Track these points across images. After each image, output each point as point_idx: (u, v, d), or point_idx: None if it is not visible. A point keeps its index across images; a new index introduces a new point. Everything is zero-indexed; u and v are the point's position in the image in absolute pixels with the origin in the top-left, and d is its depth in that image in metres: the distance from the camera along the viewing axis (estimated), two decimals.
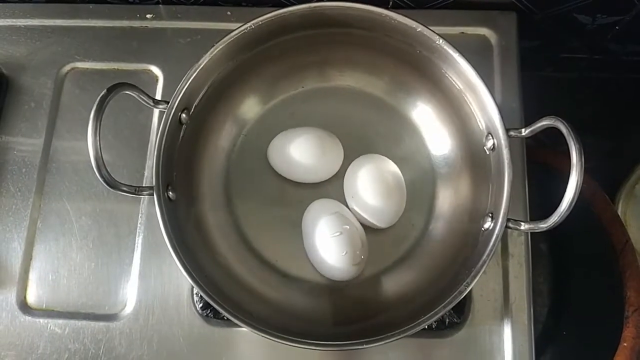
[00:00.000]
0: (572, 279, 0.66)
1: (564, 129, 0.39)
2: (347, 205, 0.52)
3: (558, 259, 0.66)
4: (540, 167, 0.61)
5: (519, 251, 0.52)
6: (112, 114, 0.55)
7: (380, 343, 0.41)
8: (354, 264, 0.49)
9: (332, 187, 0.54)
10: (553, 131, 0.42)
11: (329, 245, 0.49)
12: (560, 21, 0.64)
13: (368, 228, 0.52)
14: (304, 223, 0.52)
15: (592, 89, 0.76)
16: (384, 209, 0.51)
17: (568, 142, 0.39)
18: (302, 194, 0.54)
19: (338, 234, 0.49)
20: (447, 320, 0.51)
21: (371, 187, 0.51)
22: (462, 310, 0.51)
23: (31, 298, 0.54)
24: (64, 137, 0.58)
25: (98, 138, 0.41)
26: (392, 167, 0.53)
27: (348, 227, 0.50)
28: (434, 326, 0.51)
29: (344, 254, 0.48)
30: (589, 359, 0.61)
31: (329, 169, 0.53)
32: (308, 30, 0.51)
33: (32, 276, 0.54)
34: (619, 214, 0.69)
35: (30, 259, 0.55)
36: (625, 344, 0.56)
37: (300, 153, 0.52)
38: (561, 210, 0.39)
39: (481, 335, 0.50)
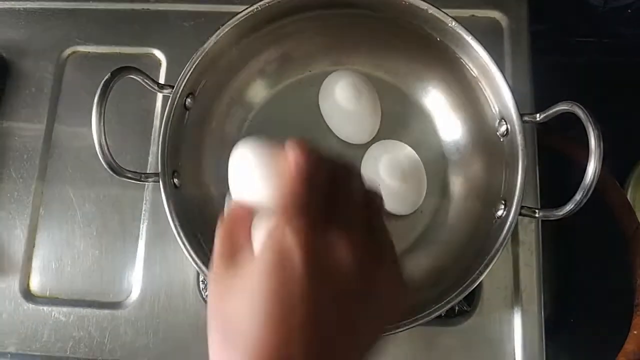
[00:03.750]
0: (580, 266, 0.65)
1: (582, 114, 0.38)
2: None
3: (567, 246, 0.65)
4: (547, 153, 0.60)
5: (529, 239, 0.52)
6: (115, 99, 0.54)
7: (391, 332, 0.40)
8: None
9: None
10: (560, 115, 0.41)
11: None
12: (572, 4, 0.62)
13: None
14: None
15: (602, 74, 0.75)
16: (407, 195, 0.51)
17: (586, 127, 0.38)
18: None
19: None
20: (457, 308, 0.50)
21: (394, 174, 0.50)
22: (472, 298, 0.51)
23: (34, 286, 0.53)
24: (65, 122, 0.58)
25: (102, 123, 0.41)
26: (412, 153, 0.52)
27: None
28: (443, 314, 0.50)
29: None
30: (599, 346, 0.61)
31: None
32: (315, 12, 0.50)
33: (35, 264, 0.54)
34: (629, 200, 0.68)
35: (33, 247, 0.54)
36: (635, 332, 0.55)
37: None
38: (578, 198, 0.39)
39: (491, 323, 0.50)
